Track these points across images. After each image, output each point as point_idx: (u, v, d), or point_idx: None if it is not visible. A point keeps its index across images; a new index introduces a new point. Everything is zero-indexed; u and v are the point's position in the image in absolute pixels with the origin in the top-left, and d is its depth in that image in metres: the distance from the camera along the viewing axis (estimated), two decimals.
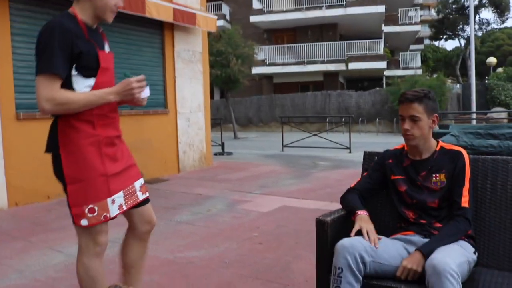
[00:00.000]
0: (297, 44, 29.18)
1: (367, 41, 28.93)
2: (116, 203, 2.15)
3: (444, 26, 38.49)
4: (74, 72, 2.06)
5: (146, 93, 2.18)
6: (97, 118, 2.12)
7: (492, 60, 33.32)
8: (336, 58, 28.12)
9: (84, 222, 2.09)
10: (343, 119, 22.08)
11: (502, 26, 42.08)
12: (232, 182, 7.66)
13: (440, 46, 52.05)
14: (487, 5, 36.01)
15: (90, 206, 2.08)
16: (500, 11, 36.11)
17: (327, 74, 29.14)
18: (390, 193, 2.42)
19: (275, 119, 26.03)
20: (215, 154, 11.52)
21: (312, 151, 12.82)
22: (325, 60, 28.16)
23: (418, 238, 2.20)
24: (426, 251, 1.98)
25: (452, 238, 2.08)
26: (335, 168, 9.29)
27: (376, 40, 29.29)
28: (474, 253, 2.12)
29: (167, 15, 7.74)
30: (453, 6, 37.26)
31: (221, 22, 27.53)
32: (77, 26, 2.08)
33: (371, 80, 33.10)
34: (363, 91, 25.69)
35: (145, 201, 2.36)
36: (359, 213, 2.25)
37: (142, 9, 7.08)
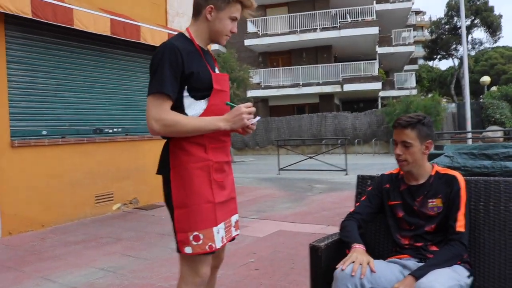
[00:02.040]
0: (292, 67, 29.42)
1: (361, 62, 29.20)
2: (220, 234, 2.08)
3: (438, 46, 39.02)
4: (185, 93, 2.04)
5: (255, 119, 2.14)
6: (209, 141, 2.07)
7: (486, 79, 33.60)
8: (331, 80, 28.32)
9: (188, 250, 2.01)
10: (339, 141, 22.12)
11: (495, 45, 42.68)
12: None
13: (434, 66, 52.66)
14: (479, 25, 36.56)
15: (195, 233, 2.00)
16: (492, 30, 36.65)
17: (322, 96, 29.30)
18: (387, 218, 2.39)
19: (271, 142, 26.09)
20: None
21: (308, 174, 12.80)
22: (320, 82, 28.35)
23: (413, 262, 2.18)
24: (418, 275, 1.96)
25: (447, 263, 2.06)
26: (332, 191, 9.26)
27: (370, 61, 29.56)
28: (469, 277, 2.10)
29: (163, 40, 7.80)
30: (446, 27, 37.83)
31: (216, 46, 27.69)
32: (191, 46, 2.07)
33: (366, 101, 33.31)
34: (359, 112, 25.80)
35: (234, 238, 2.29)
36: (355, 246, 2.16)
37: (137, 35, 7.14)
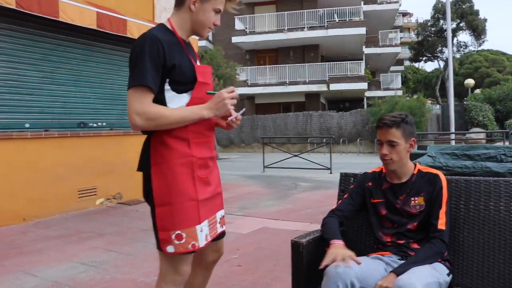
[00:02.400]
0: (279, 65, 29.50)
1: (348, 62, 29.37)
2: (203, 232, 2.01)
3: (424, 48, 39.33)
4: (166, 86, 1.97)
5: (239, 112, 2.10)
6: (193, 136, 2.00)
7: (470, 81, 34.05)
8: (317, 79, 28.45)
9: (170, 249, 1.95)
10: (324, 140, 22.22)
11: (479, 48, 43.11)
12: None
13: (420, 67, 53.05)
14: (464, 28, 36.92)
15: (178, 232, 1.93)
16: (477, 34, 37.04)
17: (308, 95, 29.40)
18: (369, 216, 2.41)
19: (257, 140, 26.10)
20: None
21: (293, 172, 12.84)
22: (307, 81, 28.46)
23: (394, 259, 2.20)
24: (399, 272, 1.98)
25: (428, 261, 2.08)
26: (316, 189, 9.31)
27: (357, 61, 29.75)
28: (448, 274, 2.13)
29: None
30: (432, 29, 38.14)
31: (203, 43, 27.69)
32: (173, 38, 2.01)
33: (352, 101, 33.50)
34: (345, 112, 25.95)
35: (223, 234, 2.25)
36: (333, 242, 2.16)
37: (123, 29, 7.09)
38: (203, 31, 2.10)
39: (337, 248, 2.11)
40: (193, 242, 1.96)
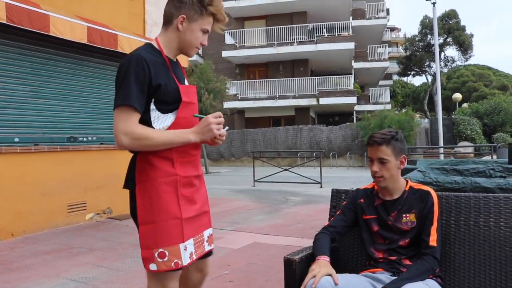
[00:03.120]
0: (269, 79, 29.63)
1: (337, 76, 29.59)
2: (188, 250, 2.00)
3: (412, 63, 39.85)
4: (152, 106, 1.98)
5: (224, 129, 2.10)
6: (177, 155, 2.02)
7: (457, 96, 34.44)
8: (307, 93, 28.61)
9: (153, 267, 1.95)
10: (314, 154, 22.27)
11: (466, 63, 43.74)
12: None
13: (408, 82, 53.59)
14: (451, 43, 37.47)
15: (160, 250, 1.94)
16: (464, 49, 37.61)
17: (298, 109, 29.53)
18: (361, 232, 2.42)
19: (247, 154, 26.11)
20: None
21: (283, 186, 12.85)
22: (297, 95, 28.60)
23: (386, 275, 2.21)
24: None
25: (420, 277, 2.09)
26: (306, 203, 9.31)
27: (346, 75, 29.99)
28: None
29: None
30: (420, 44, 38.68)
31: (193, 57, 27.71)
32: (159, 57, 2.02)
33: (341, 115, 33.69)
34: (334, 126, 26.06)
35: (209, 253, 2.24)
36: (319, 258, 2.17)
37: (114, 44, 7.10)
38: (190, 50, 2.11)
39: (318, 265, 2.11)
40: (176, 260, 1.96)
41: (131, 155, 2.07)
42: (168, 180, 1.98)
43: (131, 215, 2.06)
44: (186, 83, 2.19)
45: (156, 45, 2.08)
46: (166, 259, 1.94)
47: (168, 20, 2.08)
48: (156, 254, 1.94)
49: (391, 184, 2.33)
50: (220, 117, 2.07)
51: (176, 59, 2.18)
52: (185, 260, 1.99)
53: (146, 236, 1.97)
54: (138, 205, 1.97)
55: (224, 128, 2.11)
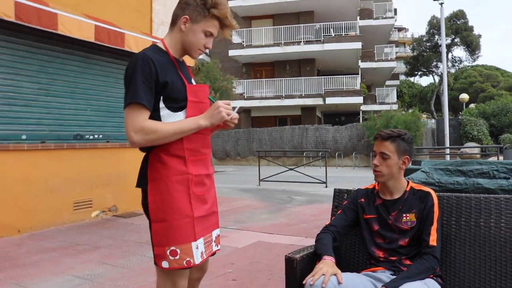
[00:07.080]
0: (276, 78, 29.62)
1: (344, 76, 29.53)
2: (199, 249, 2.03)
3: (419, 63, 39.72)
4: (161, 104, 2.00)
5: (235, 110, 2.12)
6: (189, 153, 2.04)
7: (464, 96, 34.26)
8: (313, 92, 28.58)
9: (165, 264, 1.97)
10: (320, 153, 22.26)
11: (474, 63, 43.55)
12: None
13: (415, 82, 53.42)
14: (459, 43, 37.33)
15: (173, 248, 1.96)
16: (472, 49, 37.46)
17: (304, 108, 29.51)
18: (362, 231, 2.44)
19: (252, 153, 26.13)
20: None
21: (288, 186, 12.86)
22: (303, 95, 28.58)
23: (387, 274, 2.23)
24: (391, 287, 2.01)
25: (420, 276, 2.11)
26: (311, 203, 9.33)
27: (353, 75, 29.93)
28: None
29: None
30: (427, 44, 38.55)
31: (200, 56, 27.76)
32: (165, 57, 2.06)
33: (348, 114, 33.62)
34: (340, 126, 26.01)
35: (213, 253, 2.24)
36: (324, 258, 2.18)
37: (121, 42, 7.14)
38: (193, 52, 2.14)
39: (325, 264, 2.12)
40: (188, 259, 1.98)
41: (137, 153, 2.10)
42: (180, 178, 2.00)
43: (144, 212, 2.09)
44: (193, 82, 2.22)
45: (162, 46, 2.11)
46: (177, 257, 1.97)
47: (174, 21, 2.12)
48: (168, 252, 1.97)
49: (391, 182, 2.35)
50: (229, 104, 2.09)
51: (183, 59, 2.21)
52: (197, 259, 2.01)
53: (158, 234, 1.99)
54: (150, 203, 2.00)
55: (235, 109, 2.12)
